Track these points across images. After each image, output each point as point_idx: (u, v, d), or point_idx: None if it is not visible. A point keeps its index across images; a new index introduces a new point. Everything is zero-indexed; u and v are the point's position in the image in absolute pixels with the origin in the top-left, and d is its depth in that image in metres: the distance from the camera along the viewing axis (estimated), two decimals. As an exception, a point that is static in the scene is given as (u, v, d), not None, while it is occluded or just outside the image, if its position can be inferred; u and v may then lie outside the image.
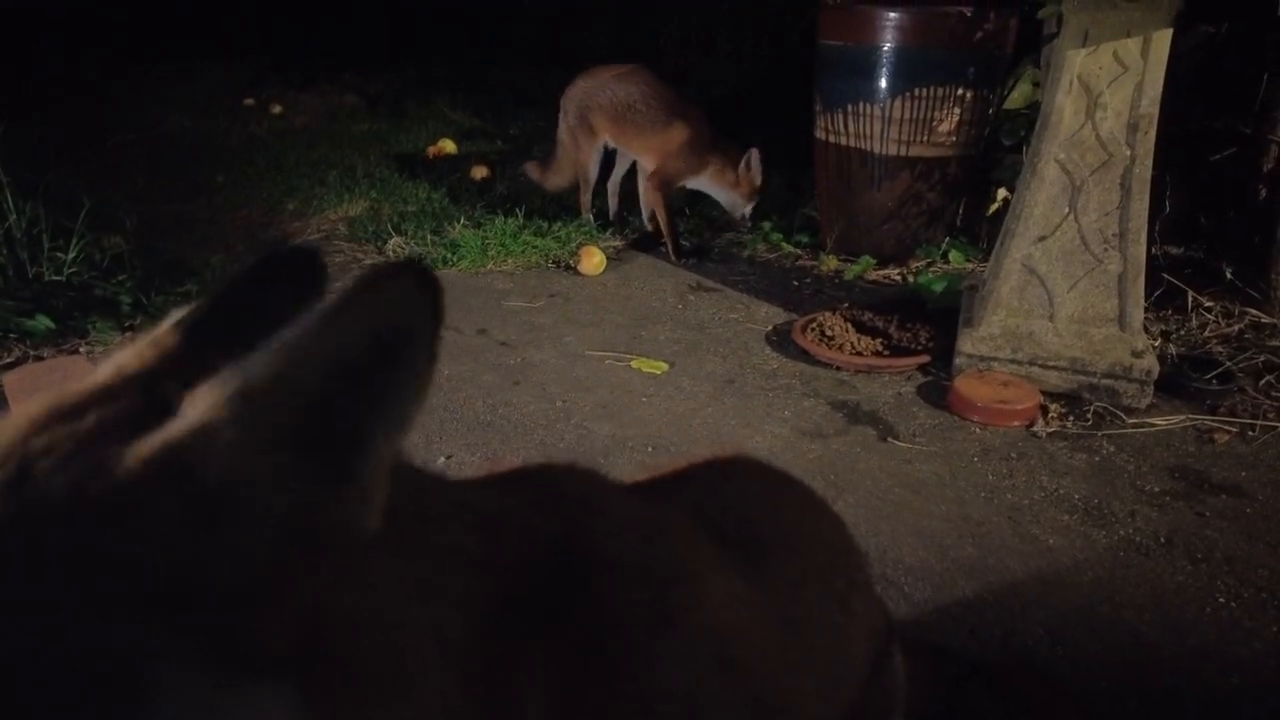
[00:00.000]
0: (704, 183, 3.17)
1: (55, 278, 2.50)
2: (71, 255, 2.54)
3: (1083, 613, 1.32)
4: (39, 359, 2.17)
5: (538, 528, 0.48)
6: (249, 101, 5.81)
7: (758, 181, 3.10)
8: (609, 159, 3.32)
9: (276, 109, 5.63)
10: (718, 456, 0.76)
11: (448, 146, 4.58)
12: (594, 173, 3.32)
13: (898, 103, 2.79)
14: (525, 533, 0.47)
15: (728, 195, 3.19)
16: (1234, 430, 1.88)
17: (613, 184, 3.44)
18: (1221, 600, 1.36)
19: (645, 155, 3.18)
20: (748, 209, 3.21)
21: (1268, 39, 2.44)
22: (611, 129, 3.19)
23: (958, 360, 2.07)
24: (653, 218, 3.25)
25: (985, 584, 1.39)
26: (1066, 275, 2.00)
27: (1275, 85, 2.43)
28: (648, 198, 3.19)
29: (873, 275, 2.93)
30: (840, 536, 0.74)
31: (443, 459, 1.77)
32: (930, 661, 1.02)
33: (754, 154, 3.04)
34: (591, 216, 3.37)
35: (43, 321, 2.26)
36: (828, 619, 0.66)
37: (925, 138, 2.83)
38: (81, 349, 2.24)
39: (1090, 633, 1.28)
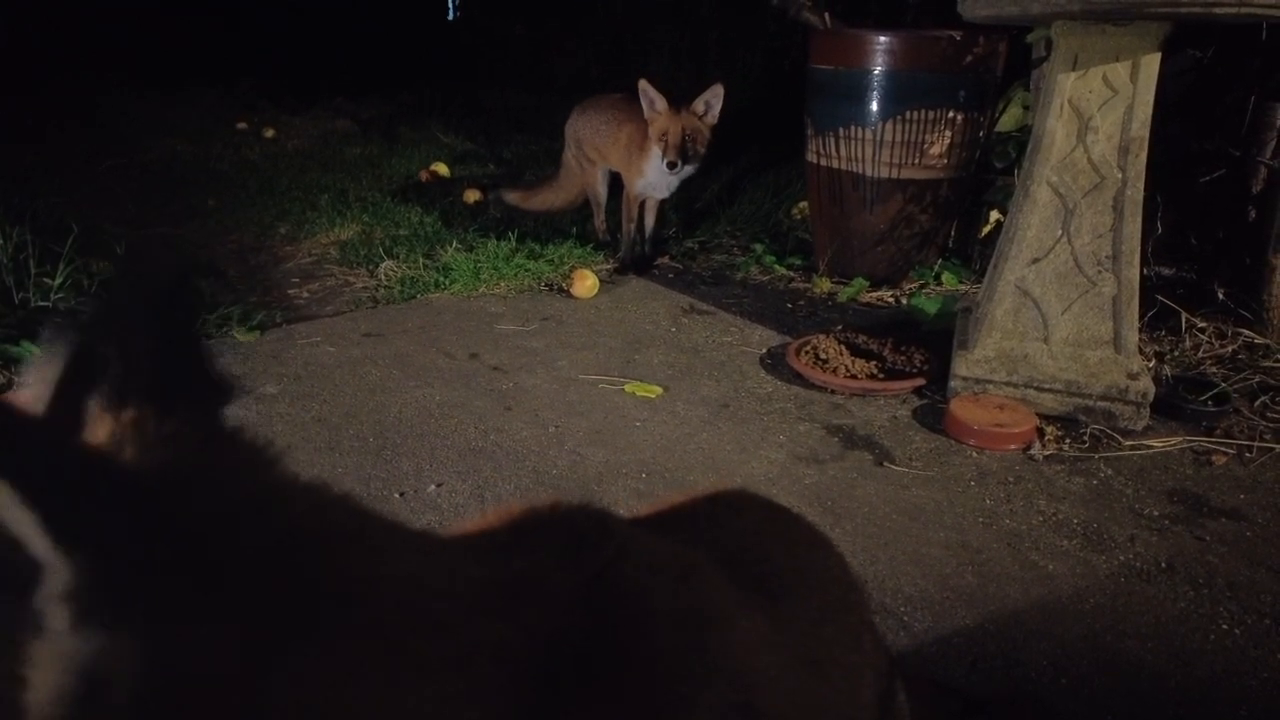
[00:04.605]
0: (649, 162, 2.98)
1: (42, 303, 2.47)
2: (59, 281, 2.52)
3: (1086, 641, 1.30)
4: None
5: (563, 583, 0.45)
6: (241, 125, 5.82)
7: (659, 105, 2.87)
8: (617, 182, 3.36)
9: (269, 133, 5.63)
10: (719, 491, 0.74)
11: (441, 169, 4.59)
12: (603, 194, 3.42)
13: (889, 126, 2.81)
14: (550, 594, 0.44)
15: (656, 160, 2.93)
16: (1231, 452, 1.87)
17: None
18: (1225, 627, 1.33)
19: (618, 168, 3.23)
20: (676, 161, 2.86)
21: (1253, 63, 2.47)
22: (595, 153, 3.30)
23: (953, 383, 2.06)
24: (649, 239, 3.27)
25: (986, 613, 1.36)
26: (1060, 297, 2.00)
27: (1263, 108, 2.45)
28: (632, 209, 3.20)
29: (866, 297, 2.93)
30: (846, 573, 0.72)
31: (433, 486, 1.74)
32: (932, 698, 1.00)
33: (641, 83, 2.89)
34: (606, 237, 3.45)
35: (28, 348, 2.23)
36: (844, 659, 0.63)
37: (917, 160, 2.84)
38: (67, 376, 2.21)
39: (1095, 663, 1.25)
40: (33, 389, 0.30)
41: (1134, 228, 1.91)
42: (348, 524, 0.37)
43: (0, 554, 0.26)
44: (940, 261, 3.07)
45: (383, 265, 3.12)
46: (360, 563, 0.36)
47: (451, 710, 0.35)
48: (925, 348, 2.30)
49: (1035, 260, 1.99)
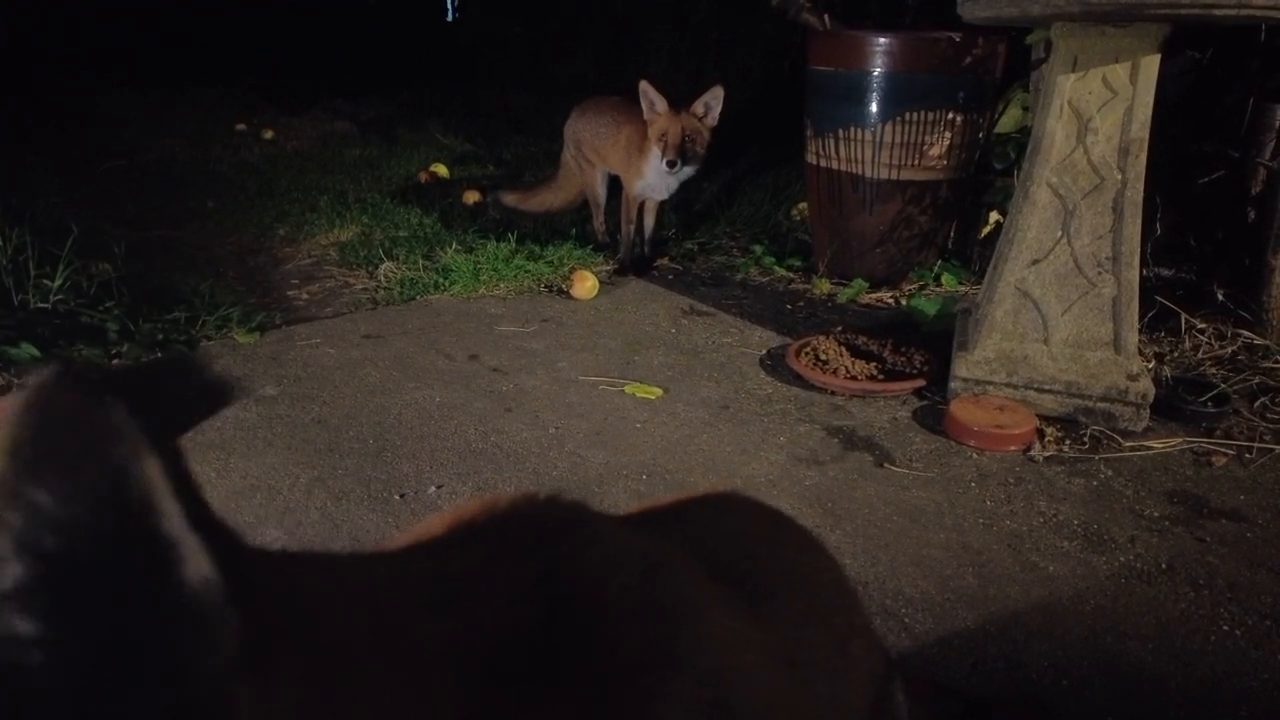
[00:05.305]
0: (648, 163, 2.99)
1: (41, 305, 2.46)
2: (58, 282, 2.52)
3: (1087, 643, 1.30)
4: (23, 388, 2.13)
5: (517, 576, 0.43)
6: (241, 126, 5.82)
7: (659, 106, 2.88)
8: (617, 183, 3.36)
9: (268, 134, 5.63)
10: (710, 492, 0.74)
11: (440, 170, 4.59)
12: (603, 195, 3.42)
13: (888, 127, 2.81)
14: (503, 587, 0.42)
15: (655, 161, 2.95)
16: (1231, 453, 1.87)
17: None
18: (1226, 629, 1.33)
19: (617, 170, 3.23)
20: (676, 160, 2.86)
21: (1252, 64, 2.47)
22: (595, 155, 3.30)
23: (953, 384, 2.06)
24: (648, 240, 3.27)
25: (987, 614, 1.36)
26: (1060, 298, 2.00)
27: (1262, 109, 2.45)
28: (631, 211, 3.20)
29: (865, 299, 2.93)
30: (837, 578, 0.71)
31: (434, 488, 1.74)
32: (932, 700, 1.00)
33: (642, 84, 2.89)
34: (605, 239, 3.45)
35: (27, 350, 2.23)
36: (828, 663, 0.63)
37: (916, 161, 2.84)
38: (66, 377, 2.21)
39: (1095, 664, 1.25)
40: None
41: (1134, 229, 1.91)
42: (276, 553, 0.37)
43: (195, 623, 0.28)
44: (940, 263, 3.07)
45: (382, 267, 3.12)
46: (293, 574, 0.35)
47: (403, 714, 0.35)
48: (925, 349, 2.30)
49: (1035, 261, 1.99)
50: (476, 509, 0.50)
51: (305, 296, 2.94)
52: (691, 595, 0.51)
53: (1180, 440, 1.92)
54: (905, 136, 2.81)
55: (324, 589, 0.36)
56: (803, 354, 2.31)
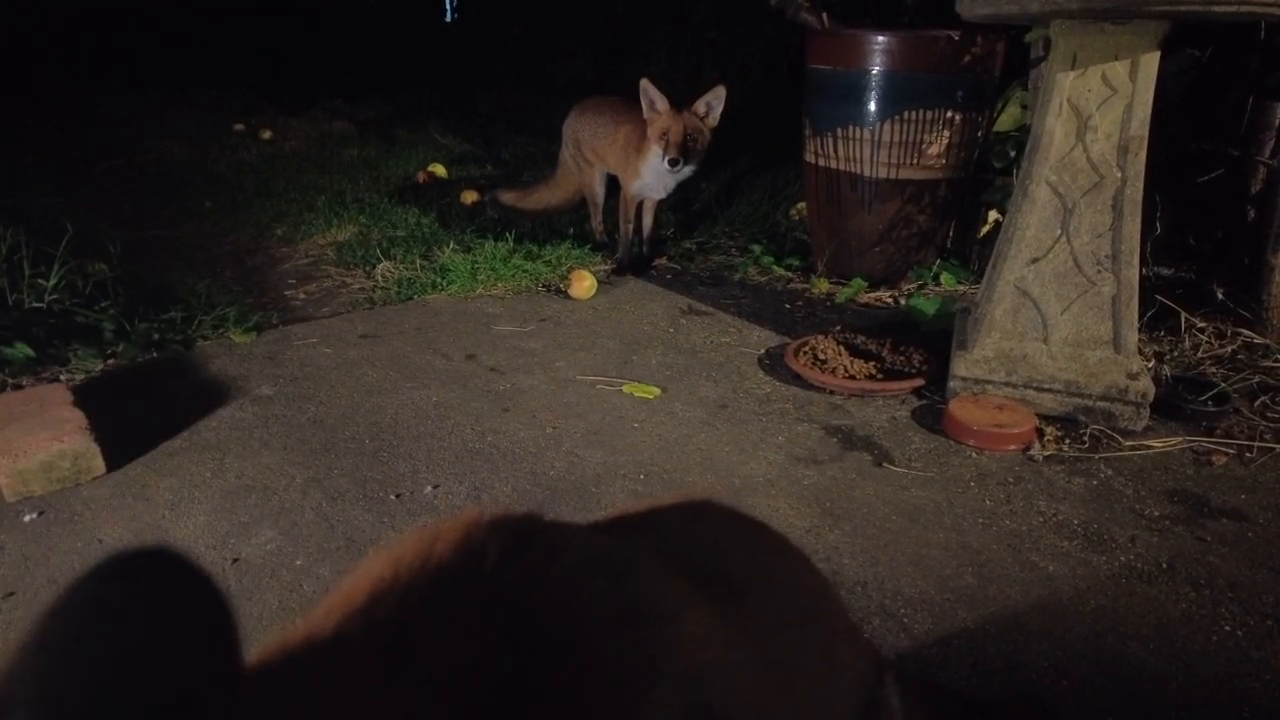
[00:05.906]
0: (646, 163, 2.99)
1: (36, 305, 2.46)
2: (53, 282, 2.51)
3: (1087, 643, 1.29)
4: (17, 388, 2.13)
5: (478, 606, 0.41)
6: (239, 126, 5.81)
7: (660, 105, 2.87)
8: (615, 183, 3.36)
9: (266, 134, 5.63)
10: (684, 500, 0.72)
11: (439, 170, 4.58)
12: (601, 195, 3.42)
13: (887, 126, 2.80)
14: (462, 623, 0.40)
15: (654, 160, 2.93)
16: (1231, 452, 1.86)
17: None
18: (1227, 629, 1.32)
19: (614, 170, 3.22)
20: (679, 158, 2.85)
21: (1252, 62, 2.46)
22: (593, 155, 3.30)
23: (952, 384, 2.05)
24: (646, 239, 3.26)
25: (986, 614, 1.35)
26: (1060, 297, 1.99)
27: (1261, 107, 2.44)
28: (629, 210, 3.19)
29: (864, 298, 2.92)
30: (818, 583, 0.70)
31: (430, 488, 1.73)
32: (930, 701, 0.99)
33: (643, 82, 2.86)
34: (604, 238, 3.44)
35: (22, 349, 2.22)
36: (810, 666, 0.61)
37: (915, 160, 2.84)
38: (61, 377, 2.20)
39: (1096, 665, 1.24)
40: None
41: (1133, 227, 1.90)
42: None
43: None
44: (939, 262, 3.06)
45: (380, 266, 3.11)
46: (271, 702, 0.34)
47: None
48: (924, 348, 2.30)
49: (1034, 260, 1.99)
50: (414, 548, 0.46)
51: (302, 296, 2.93)
52: (665, 596, 0.49)
53: (1180, 439, 1.91)
54: (904, 135, 2.80)
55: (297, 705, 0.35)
56: (801, 353, 2.30)
